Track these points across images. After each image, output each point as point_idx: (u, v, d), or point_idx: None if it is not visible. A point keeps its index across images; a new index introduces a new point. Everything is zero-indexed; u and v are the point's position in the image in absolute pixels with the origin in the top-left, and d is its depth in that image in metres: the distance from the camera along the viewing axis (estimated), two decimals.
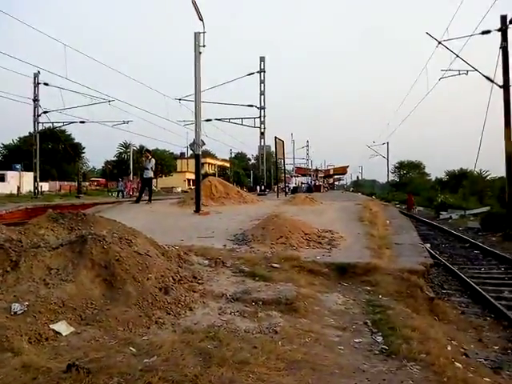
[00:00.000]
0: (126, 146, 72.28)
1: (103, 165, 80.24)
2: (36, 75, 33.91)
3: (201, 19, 13.89)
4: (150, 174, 15.36)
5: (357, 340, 4.45)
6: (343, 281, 6.90)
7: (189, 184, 77.98)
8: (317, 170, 74.93)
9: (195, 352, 3.82)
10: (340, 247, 8.74)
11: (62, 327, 4.18)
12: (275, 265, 6.93)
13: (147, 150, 17.01)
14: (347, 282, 6.87)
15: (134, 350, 3.92)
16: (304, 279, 6.47)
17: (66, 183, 58.30)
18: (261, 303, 5.32)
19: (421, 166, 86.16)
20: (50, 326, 4.16)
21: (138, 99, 38.13)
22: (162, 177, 69.65)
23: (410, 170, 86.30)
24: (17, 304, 4.30)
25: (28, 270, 4.86)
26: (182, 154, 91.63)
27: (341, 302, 5.83)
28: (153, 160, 15.52)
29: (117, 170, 73.20)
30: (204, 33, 13.86)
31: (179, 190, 66.48)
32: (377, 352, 4.15)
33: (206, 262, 7.08)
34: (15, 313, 4.20)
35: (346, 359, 3.95)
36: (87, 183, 58.15)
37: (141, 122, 39.11)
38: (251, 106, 35.95)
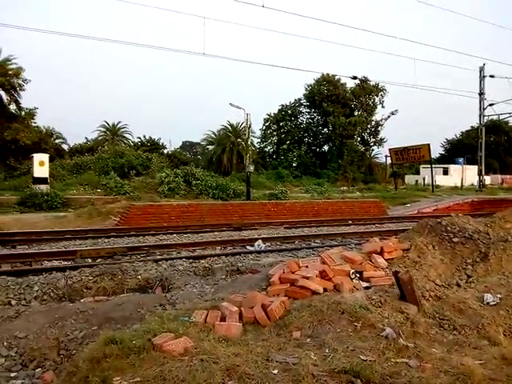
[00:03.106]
0: None
1: None
2: (481, 68, 33.67)
3: None
4: None
5: None
6: None
7: None
8: None
9: None
10: None
11: None
12: None
13: None
14: None
15: None
16: None
17: (508, 176, 55.36)
18: None
19: None
20: None
21: None
22: None
23: None
24: (489, 295, 4.38)
25: (497, 262, 4.88)
26: None
27: None
28: None
29: None
30: None
31: None
32: None
33: None
34: (488, 303, 4.30)
35: None
36: None
37: None
38: None
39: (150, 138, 46.31)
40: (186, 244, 10.63)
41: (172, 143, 56.41)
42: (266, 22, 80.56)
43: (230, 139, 43.93)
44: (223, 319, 4.16)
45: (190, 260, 8.79)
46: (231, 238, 12.02)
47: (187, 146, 64.01)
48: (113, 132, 50.16)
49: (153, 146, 44.06)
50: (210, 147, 48.00)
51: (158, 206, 16.42)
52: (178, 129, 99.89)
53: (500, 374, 3.19)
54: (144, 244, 10.66)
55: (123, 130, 51.61)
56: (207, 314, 4.21)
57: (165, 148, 46.87)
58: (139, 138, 46.90)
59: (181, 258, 8.85)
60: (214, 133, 47.70)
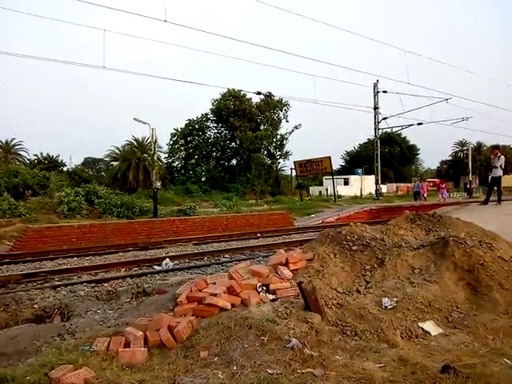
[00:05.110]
0: (462, 144, 68.87)
1: (438, 165, 78.72)
2: (375, 84, 36.22)
3: None
4: (500, 172, 14.02)
5: None
6: None
7: None
8: None
9: None
10: None
11: (431, 327, 4.25)
12: None
13: (495, 147, 15.56)
14: None
15: (509, 362, 3.63)
16: None
17: (402, 185, 60.01)
18: None
19: None
20: (419, 324, 4.29)
21: (478, 93, 35.71)
22: (504, 175, 62.93)
23: None
24: (386, 299, 4.61)
25: (393, 267, 5.17)
26: None
27: None
28: (502, 157, 14.11)
29: (452, 169, 70.67)
30: None
31: None
32: None
33: None
34: (385, 307, 4.52)
35: None
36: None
37: (480, 117, 36.32)
38: None
39: (48, 155, 43.90)
40: (87, 267, 10.04)
41: (73, 160, 53.87)
42: (169, 37, 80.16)
43: (135, 155, 42.91)
44: (127, 345, 3.97)
45: (92, 284, 8.31)
46: (137, 258, 11.58)
47: (90, 162, 61.43)
48: (6, 149, 46.79)
49: (51, 163, 41.71)
50: (115, 163, 46.51)
51: (56, 227, 15.41)
52: (79, 145, 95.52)
53: (398, 376, 3.35)
54: (41, 270, 9.90)
55: (18, 147, 48.38)
56: (110, 341, 4.00)
57: (65, 165, 44.64)
58: (36, 155, 44.26)
59: (82, 283, 8.34)
60: (118, 148, 46.36)
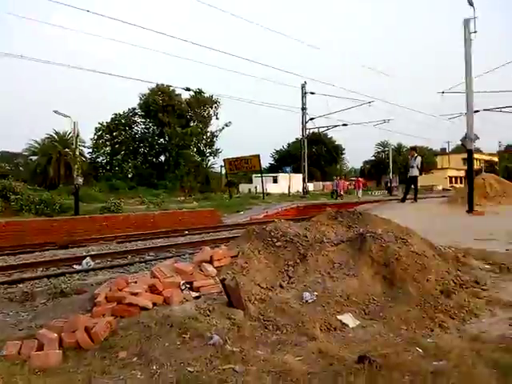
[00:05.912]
0: (384, 145, 72.30)
1: (362, 165, 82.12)
2: (303, 85, 37.08)
3: (471, 4, 12.90)
4: (416, 172, 14.94)
5: None
6: None
7: (450, 182, 72.75)
8: None
9: (487, 363, 3.48)
10: None
11: (349, 319, 4.40)
12: None
13: (413, 148, 16.61)
14: None
15: (420, 350, 3.83)
16: None
17: (328, 183, 61.91)
18: None
19: None
20: (338, 316, 4.43)
21: (398, 97, 37.69)
22: (420, 174, 67.02)
23: None
24: (307, 293, 4.72)
25: (314, 263, 5.29)
26: (443, 149, 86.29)
27: None
28: (418, 158, 15.05)
29: (374, 169, 74.04)
30: (475, 18, 12.88)
31: (440, 188, 62.68)
32: None
33: (488, 266, 6.40)
34: (306, 301, 4.63)
35: None
36: (347, 183, 60.35)
37: (401, 119, 38.48)
38: None
39: None
40: (0, 267, 9.42)
41: None
42: (93, 27, 77.10)
43: (56, 149, 40.76)
44: (41, 348, 3.75)
45: (5, 285, 7.79)
46: (55, 257, 11.01)
47: (6, 156, 57.54)
48: None
49: None
50: (34, 158, 43.93)
51: None
52: None
53: (317, 368, 3.42)
54: None
55: None
56: (21, 345, 3.77)
57: None
58: None
59: None
60: (37, 142, 43.77)
